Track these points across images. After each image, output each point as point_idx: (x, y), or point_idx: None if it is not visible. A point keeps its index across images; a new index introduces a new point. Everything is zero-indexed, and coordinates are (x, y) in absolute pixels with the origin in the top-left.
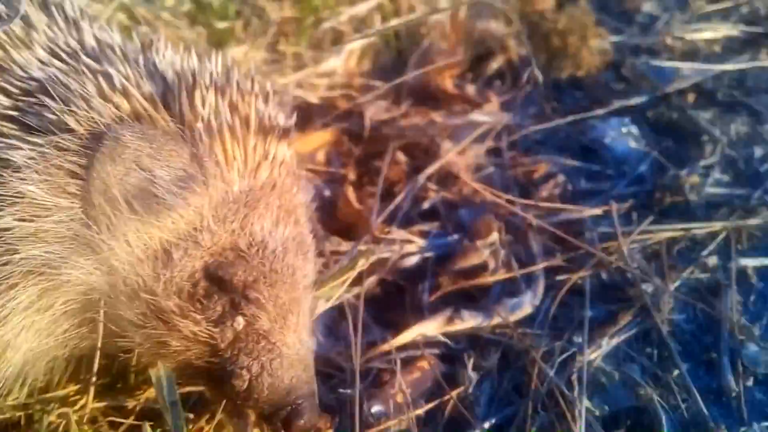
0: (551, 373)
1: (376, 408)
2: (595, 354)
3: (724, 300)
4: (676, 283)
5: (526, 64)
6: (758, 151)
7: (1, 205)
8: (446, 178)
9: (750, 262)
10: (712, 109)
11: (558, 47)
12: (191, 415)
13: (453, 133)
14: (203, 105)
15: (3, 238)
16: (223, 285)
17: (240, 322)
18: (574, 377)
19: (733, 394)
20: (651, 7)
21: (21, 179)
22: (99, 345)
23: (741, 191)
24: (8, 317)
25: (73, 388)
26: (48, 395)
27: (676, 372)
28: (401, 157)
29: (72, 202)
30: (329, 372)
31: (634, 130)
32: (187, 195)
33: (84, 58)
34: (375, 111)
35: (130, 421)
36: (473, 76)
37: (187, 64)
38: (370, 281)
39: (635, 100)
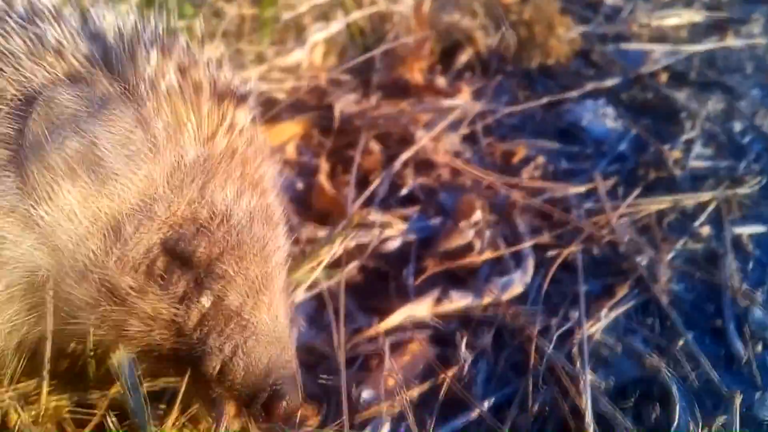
0: (550, 348)
1: (366, 393)
2: (594, 327)
3: (722, 267)
4: (671, 254)
5: (494, 55)
6: (737, 126)
7: None
8: (423, 164)
9: (744, 230)
10: (685, 88)
11: (525, 37)
12: (162, 406)
13: (426, 122)
14: (147, 64)
15: None
16: (184, 260)
17: (208, 298)
18: (575, 351)
19: (744, 361)
20: None
21: None
22: (49, 330)
23: (725, 163)
24: None
25: (28, 383)
26: None
27: (681, 341)
28: (375, 146)
29: (6, 172)
30: (313, 361)
31: (610, 111)
32: (135, 160)
33: (13, 17)
34: (345, 103)
35: (97, 416)
36: (442, 69)
37: (128, 24)
38: (351, 268)
39: (608, 83)
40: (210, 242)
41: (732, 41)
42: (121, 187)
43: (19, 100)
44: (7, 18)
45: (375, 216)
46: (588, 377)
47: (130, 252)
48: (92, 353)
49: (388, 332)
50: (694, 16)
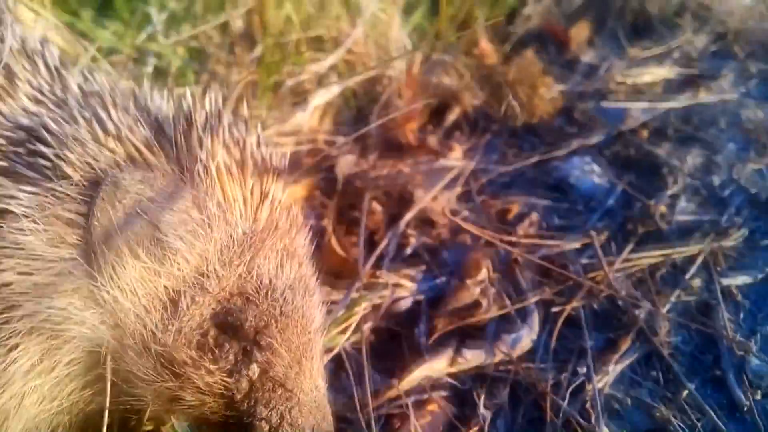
0: (564, 404)
1: None
2: (602, 381)
3: (716, 319)
4: (667, 307)
5: (481, 115)
6: (716, 179)
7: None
8: (424, 223)
9: (733, 281)
10: (665, 143)
11: (509, 97)
12: None
13: (423, 181)
14: (200, 147)
15: (2, 295)
16: (233, 332)
17: (255, 370)
18: (588, 405)
19: (746, 408)
20: (590, 57)
21: (19, 230)
22: (107, 405)
23: (709, 216)
24: (9, 383)
25: None
26: None
27: (685, 392)
28: (377, 206)
29: (72, 253)
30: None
31: (596, 167)
32: (191, 239)
33: (72, 104)
34: (345, 164)
35: None
36: (433, 128)
37: (178, 107)
38: (366, 329)
39: (593, 140)
40: (256, 314)
41: (705, 96)
42: (178, 266)
43: (84, 184)
44: (69, 102)
45: (386, 277)
46: (603, 430)
47: (185, 326)
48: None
49: (408, 393)
50: (667, 72)
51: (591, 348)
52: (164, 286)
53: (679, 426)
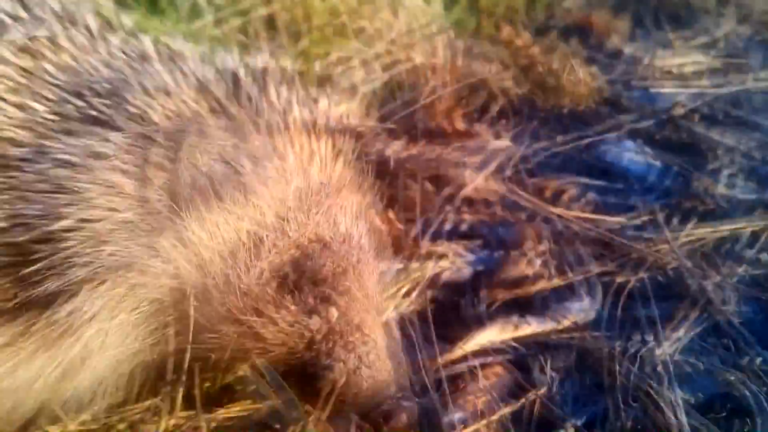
0: (635, 368)
1: (458, 415)
2: (672, 348)
3: None
4: (734, 279)
5: (526, 104)
6: None
7: (92, 195)
8: (477, 203)
9: None
10: (716, 127)
11: (553, 86)
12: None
13: (473, 164)
14: (278, 99)
15: (91, 230)
16: (312, 277)
17: (333, 312)
18: (660, 369)
19: None
20: (631, 48)
21: (111, 168)
22: (190, 340)
23: None
24: (94, 319)
25: (153, 401)
26: (127, 409)
27: (758, 359)
28: (429, 186)
29: (161, 194)
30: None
31: (648, 149)
32: (272, 185)
33: (154, 59)
34: (394, 149)
35: None
36: (478, 117)
37: (255, 62)
38: (422, 298)
39: (642, 123)
40: (334, 260)
41: (753, 84)
42: (261, 210)
43: (171, 131)
44: (150, 58)
45: (444, 248)
46: (678, 393)
47: (266, 269)
48: (220, 369)
49: (463, 359)
50: (712, 61)
51: (659, 318)
52: (247, 230)
53: (750, 390)
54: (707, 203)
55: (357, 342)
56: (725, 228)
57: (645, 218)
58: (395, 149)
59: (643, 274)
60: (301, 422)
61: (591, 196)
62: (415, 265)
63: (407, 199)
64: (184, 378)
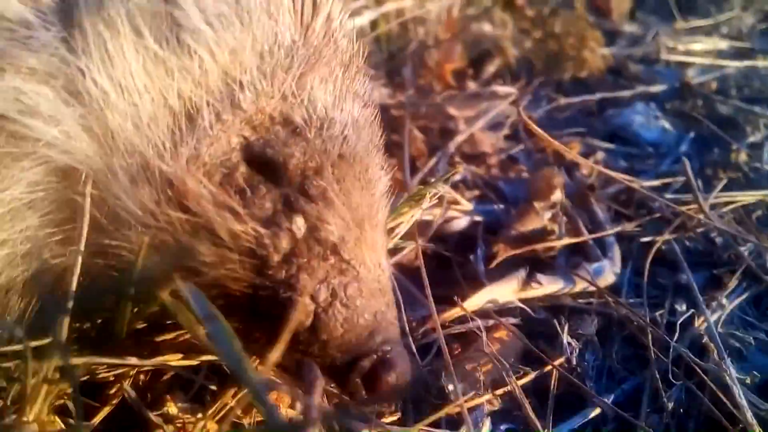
0: (674, 340)
1: (452, 384)
2: (713, 318)
3: None
4: None
5: (524, 66)
6: None
7: None
8: (472, 157)
9: None
10: (731, 100)
11: (555, 50)
12: (213, 387)
13: (466, 116)
14: None
15: None
16: (272, 172)
17: (300, 224)
18: (706, 341)
19: None
20: (633, 28)
21: None
22: (81, 248)
23: None
24: None
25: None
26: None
27: None
28: (417, 133)
29: (45, 17)
30: None
31: (661, 114)
32: (220, 27)
33: None
34: (380, 95)
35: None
36: (473, 75)
37: None
38: (410, 250)
39: (655, 88)
40: (305, 152)
41: (763, 64)
42: (201, 61)
43: None
44: None
45: (439, 189)
46: (733, 372)
47: (204, 152)
48: (133, 292)
49: (463, 320)
50: (718, 43)
51: (688, 286)
52: (178, 90)
53: None
54: (731, 170)
55: (331, 269)
56: (755, 194)
57: (665, 181)
58: (381, 95)
59: (669, 236)
60: (245, 368)
61: (600, 155)
62: (400, 206)
63: (391, 145)
64: (70, 304)
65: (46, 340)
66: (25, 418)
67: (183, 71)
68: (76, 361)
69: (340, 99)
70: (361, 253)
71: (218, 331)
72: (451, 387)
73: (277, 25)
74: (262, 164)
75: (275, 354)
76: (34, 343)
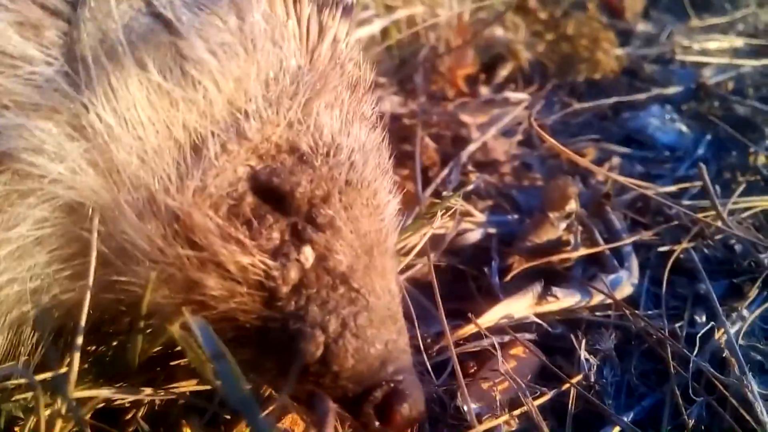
0: (694, 354)
1: (472, 406)
2: (733, 330)
3: None
4: None
5: (537, 69)
6: None
7: None
8: (485, 165)
9: None
10: (749, 100)
11: (568, 52)
12: (227, 416)
13: (479, 124)
14: None
15: None
16: (279, 201)
17: (308, 254)
18: (726, 355)
19: None
20: (647, 27)
21: None
22: (90, 283)
23: None
24: None
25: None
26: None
27: None
28: (429, 142)
29: (51, 53)
30: None
31: (677, 117)
32: (224, 56)
33: None
34: (391, 105)
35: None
36: (485, 79)
37: None
38: (422, 265)
39: (670, 91)
40: (312, 179)
41: None
42: (206, 91)
43: None
44: None
45: (454, 204)
46: (755, 387)
47: (210, 184)
48: (143, 326)
49: (479, 335)
50: (734, 41)
51: (706, 296)
52: (183, 122)
53: None
54: (750, 174)
55: (341, 299)
56: None
57: (682, 186)
58: (392, 104)
59: (687, 245)
60: (250, 410)
61: (616, 161)
62: (413, 222)
63: (403, 155)
64: (80, 340)
65: (57, 373)
66: None
67: (188, 102)
68: (88, 393)
69: (347, 124)
70: (371, 280)
71: (225, 371)
72: (466, 408)
73: (282, 51)
74: (269, 193)
75: (289, 383)
76: (41, 377)
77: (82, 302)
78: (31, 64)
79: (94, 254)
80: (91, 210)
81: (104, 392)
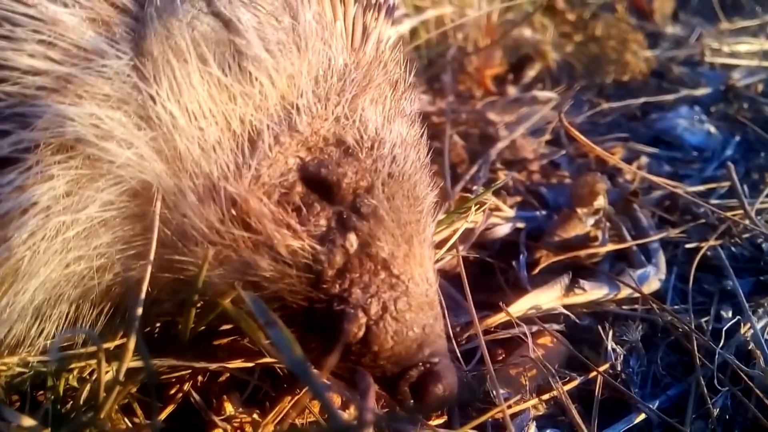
0: (719, 347)
1: (500, 391)
2: (760, 324)
3: None
4: None
5: (565, 70)
6: None
7: (21, 35)
8: (514, 163)
9: None
10: None
11: (596, 54)
12: (266, 388)
13: (507, 122)
14: None
15: (21, 85)
16: (326, 191)
17: (352, 240)
18: (751, 348)
19: None
20: (676, 29)
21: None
22: (151, 257)
23: None
24: (23, 219)
25: (111, 344)
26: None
27: None
28: (458, 139)
29: (120, 47)
30: None
31: (706, 117)
32: (279, 54)
33: None
34: (419, 103)
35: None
36: (513, 80)
37: None
38: (451, 257)
39: (699, 92)
40: (357, 171)
41: None
42: (261, 87)
43: None
44: None
45: (487, 200)
46: None
47: (264, 173)
48: (197, 303)
49: (507, 325)
50: (765, 44)
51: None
52: (240, 115)
53: None
54: None
55: (382, 284)
56: None
57: (710, 186)
58: (420, 104)
59: (713, 242)
60: (306, 372)
61: (644, 160)
62: (442, 216)
63: (432, 152)
64: (138, 312)
65: (118, 343)
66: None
67: (245, 97)
68: (155, 362)
69: (389, 119)
70: (410, 268)
71: (280, 337)
72: (494, 392)
73: (331, 50)
74: (317, 183)
75: (332, 360)
76: (107, 345)
77: (141, 280)
78: (103, 58)
79: (155, 234)
80: (154, 194)
81: (158, 362)
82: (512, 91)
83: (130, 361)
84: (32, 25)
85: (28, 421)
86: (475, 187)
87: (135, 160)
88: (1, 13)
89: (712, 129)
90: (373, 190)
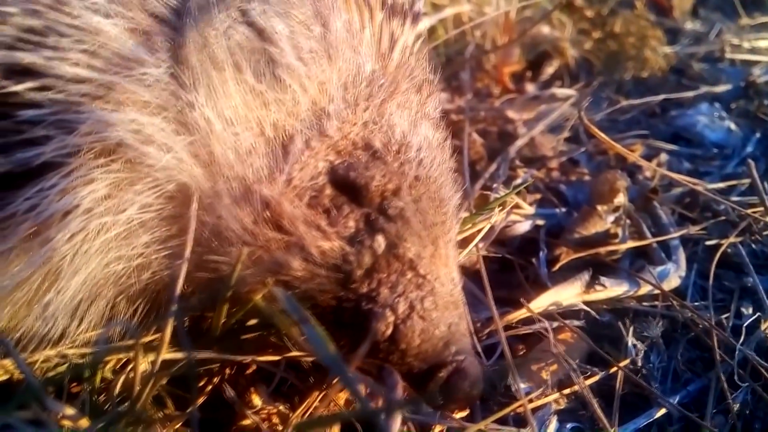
0: (739, 343)
1: (521, 385)
2: None
3: None
4: None
5: (583, 67)
6: None
7: (64, 45)
8: (533, 161)
9: None
10: None
11: (615, 50)
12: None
13: (526, 120)
14: None
15: (65, 93)
16: (354, 193)
17: (380, 242)
18: None
19: None
20: (696, 25)
21: (94, 9)
22: (187, 254)
23: None
24: (66, 220)
25: (147, 339)
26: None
27: None
28: (477, 137)
29: (159, 56)
30: None
31: (726, 114)
32: (310, 62)
33: None
34: (438, 101)
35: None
36: (531, 77)
37: None
38: (470, 254)
39: (719, 89)
40: (385, 174)
41: None
42: (294, 93)
43: None
44: None
45: (510, 200)
46: None
47: (296, 175)
48: (228, 296)
49: (528, 321)
50: None
51: (754, 289)
52: (273, 121)
53: None
54: None
55: (409, 284)
56: None
57: (730, 183)
58: (439, 100)
59: (734, 239)
60: (339, 365)
61: (664, 157)
62: (470, 216)
63: (452, 150)
64: (174, 308)
65: (155, 337)
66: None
67: (278, 103)
68: (178, 356)
69: (415, 123)
70: (436, 268)
71: (313, 333)
72: (515, 387)
73: (360, 56)
74: (346, 186)
75: (360, 353)
76: (145, 339)
77: (177, 278)
78: (143, 66)
79: (191, 235)
80: (190, 197)
81: (209, 354)
82: (531, 88)
83: (165, 354)
84: (76, 35)
85: (69, 411)
86: (495, 185)
87: (174, 163)
88: (48, 24)
89: (733, 126)
90: (400, 193)
